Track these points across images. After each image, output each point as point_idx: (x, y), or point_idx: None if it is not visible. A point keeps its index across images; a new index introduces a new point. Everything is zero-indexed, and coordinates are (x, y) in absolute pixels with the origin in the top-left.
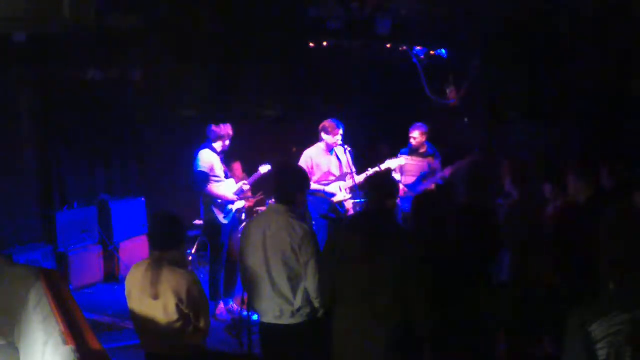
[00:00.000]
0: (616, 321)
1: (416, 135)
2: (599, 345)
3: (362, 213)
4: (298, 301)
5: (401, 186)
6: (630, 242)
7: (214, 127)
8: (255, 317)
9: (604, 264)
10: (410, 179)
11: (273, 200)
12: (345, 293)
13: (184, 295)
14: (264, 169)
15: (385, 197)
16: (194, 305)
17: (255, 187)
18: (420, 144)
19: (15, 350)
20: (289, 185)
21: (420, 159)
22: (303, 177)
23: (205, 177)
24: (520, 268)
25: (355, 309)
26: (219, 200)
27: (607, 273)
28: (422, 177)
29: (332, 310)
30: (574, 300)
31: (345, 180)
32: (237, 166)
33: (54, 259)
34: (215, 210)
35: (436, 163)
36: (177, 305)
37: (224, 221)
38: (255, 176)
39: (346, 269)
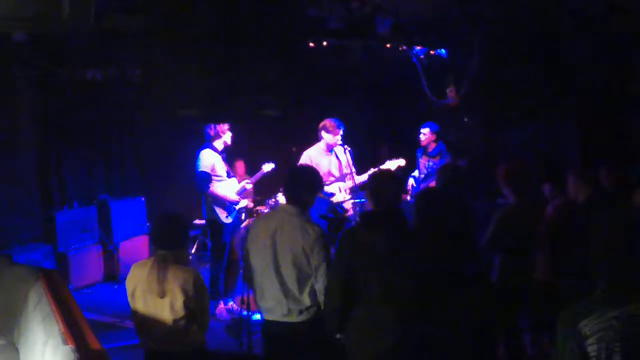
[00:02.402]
0: (607, 317)
1: (425, 132)
2: (589, 342)
3: (375, 213)
4: (306, 301)
5: (411, 181)
6: (622, 240)
7: (208, 127)
8: (256, 317)
9: (595, 261)
10: (420, 177)
11: (274, 200)
12: (366, 294)
13: (191, 291)
14: (267, 167)
15: (397, 197)
16: (200, 301)
17: (260, 188)
18: (429, 143)
19: (15, 350)
20: (303, 188)
21: (426, 157)
22: (317, 180)
23: (208, 178)
24: (515, 269)
25: (377, 309)
26: (222, 200)
27: (599, 270)
28: (425, 177)
29: (343, 310)
30: (572, 300)
31: (345, 181)
32: (240, 165)
33: (54, 259)
34: (218, 210)
35: (440, 163)
36: (184, 302)
37: (227, 221)
38: (258, 175)
39: (367, 269)
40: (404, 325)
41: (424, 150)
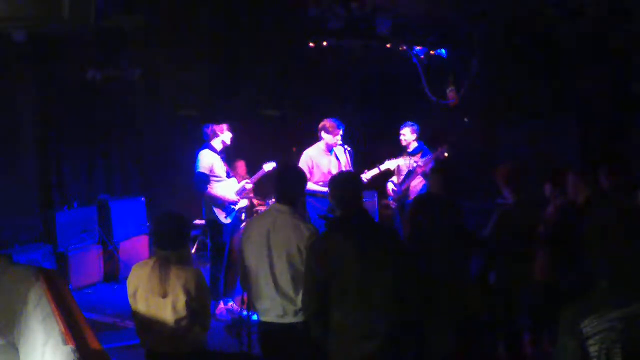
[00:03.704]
0: (608, 318)
1: (405, 132)
2: (590, 342)
3: (347, 214)
4: (300, 301)
5: (390, 186)
6: (624, 240)
7: (206, 127)
8: (255, 317)
9: (596, 261)
10: (400, 178)
11: (273, 200)
12: (342, 294)
13: (193, 291)
14: (269, 166)
15: (357, 197)
16: (202, 300)
17: (259, 188)
18: (409, 143)
19: (15, 350)
20: (291, 186)
21: (408, 157)
22: (302, 177)
23: (205, 179)
24: (515, 269)
25: (352, 308)
26: (221, 200)
27: (600, 270)
28: (407, 175)
29: (323, 313)
30: (572, 300)
31: None
32: (240, 165)
33: (54, 259)
34: (217, 211)
35: (424, 160)
36: (186, 302)
37: (226, 221)
38: (258, 174)
39: (342, 270)
40: (382, 328)
41: (403, 150)
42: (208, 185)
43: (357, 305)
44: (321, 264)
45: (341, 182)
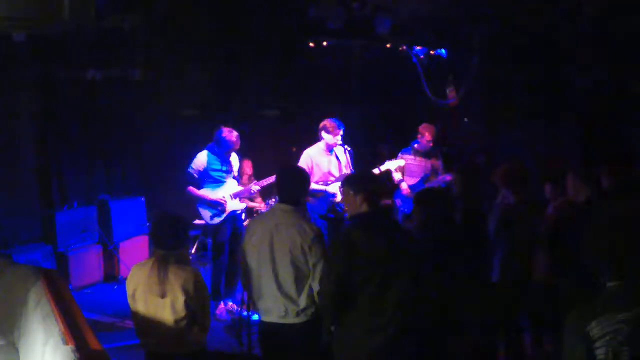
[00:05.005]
0: (615, 320)
1: (429, 133)
2: (597, 345)
3: (369, 214)
4: (303, 301)
5: (405, 186)
6: (630, 241)
7: (219, 132)
8: (255, 317)
9: (602, 262)
10: (413, 180)
11: (274, 200)
12: (357, 291)
13: (192, 291)
14: None
15: (382, 196)
16: (201, 300)
17: (266, 192)
18: (428, 144)
19: (15, 350)
20: (295, 186)
21: (423, 159)
22: (305, 178)
23: (190, 179)
24: (515, 269)
25: (364, 305)
26: (204, 200)
27: (605, 272)
28: (424, 179)
29: (336, 310)
30: (573, 300)
31: None
32: (247, 164)
33: (54, 259)
34: (201, 210)
35: (439, 164)
36: (185, 302)
37: (212, 221)
38: (270, 179)
39: (365, 270)
40: (391, 326)
41: (413, 150)
42: (188, 186)
43: (369, 303)
44: (345, 257)
45: (373, 179)
